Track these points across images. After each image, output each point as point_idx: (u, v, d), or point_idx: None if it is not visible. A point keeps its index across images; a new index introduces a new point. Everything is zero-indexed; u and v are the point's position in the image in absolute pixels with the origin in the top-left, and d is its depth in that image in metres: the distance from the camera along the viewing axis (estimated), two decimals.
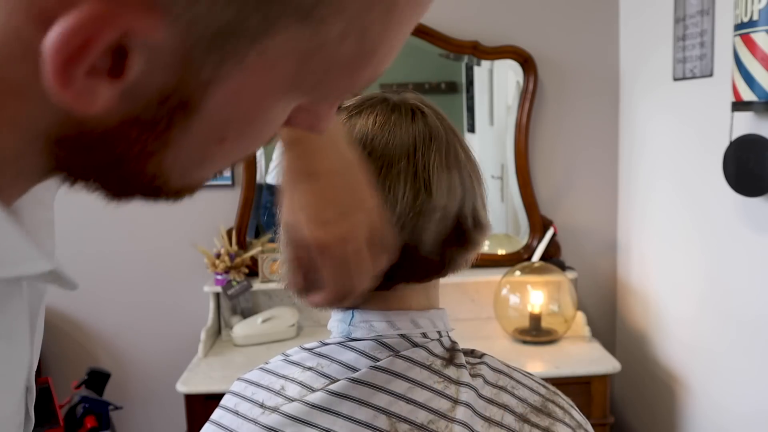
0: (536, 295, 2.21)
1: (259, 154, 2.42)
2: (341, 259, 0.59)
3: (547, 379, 0.71)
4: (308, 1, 0.30)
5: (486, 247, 2.48)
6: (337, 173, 0.60)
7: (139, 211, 2.42)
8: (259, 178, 2.40)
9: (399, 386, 0.62)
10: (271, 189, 2.44)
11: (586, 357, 2.07)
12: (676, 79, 1.96)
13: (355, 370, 0.64)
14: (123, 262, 2.40)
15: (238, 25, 0.29)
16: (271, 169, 2.45)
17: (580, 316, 2.23)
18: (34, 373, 0.58)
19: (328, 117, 0.43)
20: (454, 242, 0.65)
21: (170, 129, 0.33)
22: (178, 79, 0.31)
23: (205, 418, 0.71)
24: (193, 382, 1.96)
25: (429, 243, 0.63)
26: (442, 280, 0.70)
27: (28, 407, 0.58)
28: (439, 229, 0.63)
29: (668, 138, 2.06)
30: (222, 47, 0.30)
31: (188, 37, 0.29)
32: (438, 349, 0.66)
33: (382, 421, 0.61)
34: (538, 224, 2.40)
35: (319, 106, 0.41)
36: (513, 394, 0.65)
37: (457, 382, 0.64)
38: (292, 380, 0.66)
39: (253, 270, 2.34)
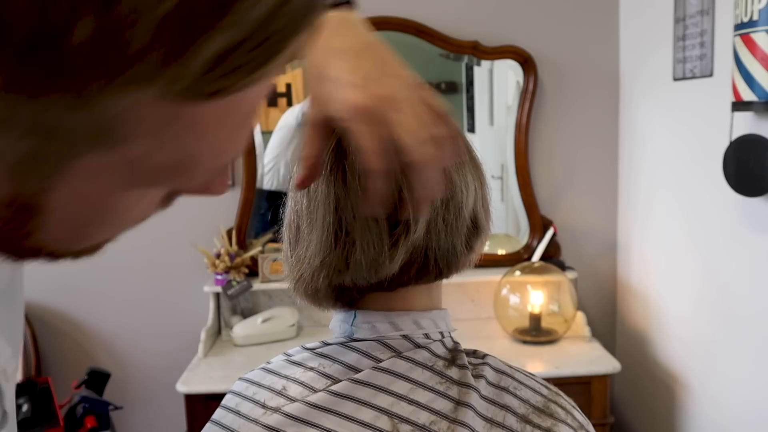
0: (536, 295, 2.21)
1: (259, 157, 2.42)
2: (381, 117, 0.51)
3: (547, 379, 0.71)
4: (93, 132, 0.31)
5: (486, 247, 2.47)
6: (360, 48, 0.55)
7: None
8: (258, 183, 2.39)
9: (401, 387, 0.62)
10: (267, 195, 2.44)
11: (586, 357, 2.07)
12: (676, 79, 1.96)
13: (357, 370, 0.64)
14: (123, 262, 2.40)
15: (40, 153, 0.31)
16: (264, 173, 2.45)
17: (580, 316, 2.23)
18: (6, 373, 0.59)
19: (221, 182, 0.42)
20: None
21: (28, 221, 0.36)
22: (12, 190, 0.34)
23: (205, 418, 0.71)
24: (193, 382, 1.96)
25: (451, 241, 0.63)
26: (443, 280, 0.70)
27: (5, 405, 0.59)
28: (458, 226, 0.63)
29: (668, 138, 2.06)
30: (36, 168, 0.32)
31: (2, 163, 0.32)
32: (440, 350, 0.66)
33: (383, 422, 0.61)
34: (538, 224, 2.40)
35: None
36: (515, 395, 0.65)
37: (459, 383, 0.64)
38: (294, 380, 0.66)
39: (253, 270, 2.34)
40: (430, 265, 0.63)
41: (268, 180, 2.46)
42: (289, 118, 2.42)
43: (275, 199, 2.44)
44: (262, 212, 2.44)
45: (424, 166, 0.52)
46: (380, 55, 0.55)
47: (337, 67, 0.54)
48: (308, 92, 0.57)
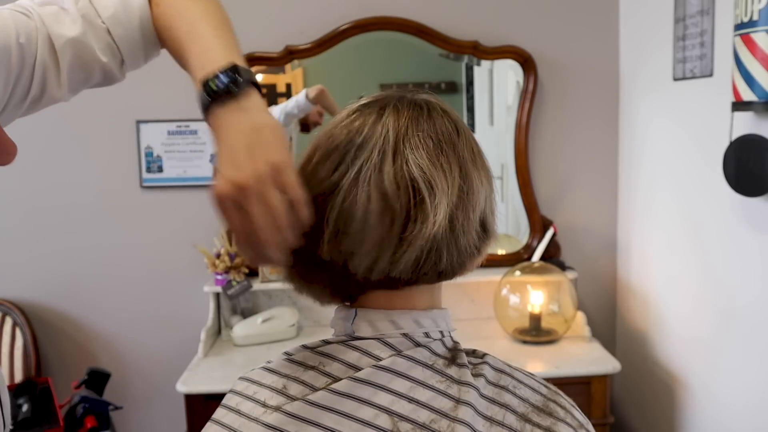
0: (536, 295, 2.21)
1: None
2: (240, 205, 0.60)
3: (547, 379, 0.71)
4: None
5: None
6: (239, 136, 0.63)
7: (139, 211, 2.42)
8: None
9: (401, 385, 0.62)
10: None
11: (586, 357, 2.07)
12: (676, 79, 1.96)
13: (357, 369, 0.64)
14: (123, 262, 2.40)
15: None
16: None
17: (580, 316, 2.23)
18: None
19: None
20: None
21: None
22: None
23: (205, 418, 0.71)
24: (193, 382, 1.96)
25: (462, 244, 0.63)
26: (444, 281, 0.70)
27: None
28: (469, 230, 0.63)
29: (668, 138, 2.06)
30: None
31: None
32: (440, 349, 0.66)
33: (383, 420, 0.61)
34: (538, 224, 2.40)
35: None
36: (515, 394, 0.65)
37: (459, 382, 0.64)
38: (295, 379, 0.66)
39: (253, 270, 2.34)
40: (439, 267, 0.63)
41: None
42: None
43: None
44: None
45: (269, 244, 0.62)
46: (257, 139, 0.63)
47: (219, 161, 0.63)
48: None
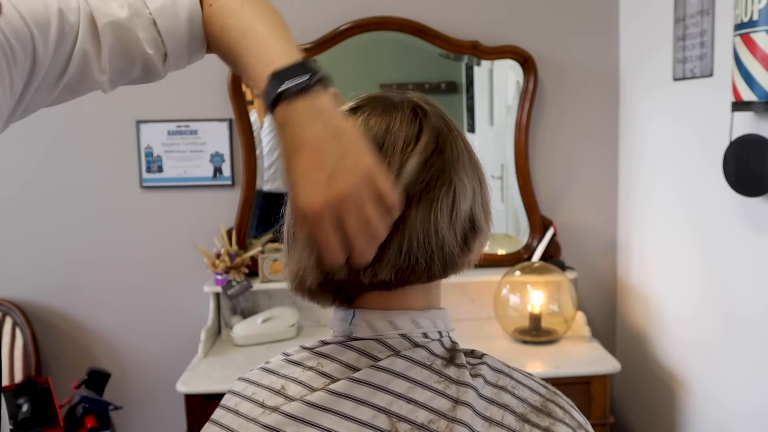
0: (536, 295, 2.21)
1: (259, 153, 2.42)
2: (337, 220, 0.57)
3: (547, 379, 0.71)
4: None
5: (486, 247, 2.47)
6: (324, 140, 0.59)
7: (139, 211, 2.42)
8: (258, 183, 2.39)
9: (399, 386, 0.62)
10: (267, 196, 2.44)
11: (586, 357, 2.07)
12: (676, 79, 1.96)
13: (355, 369, 0.64)
14: (123, 262, 2.40)
15: None
16: (268, 178, 2.46)
17: (580, 316, 2.23)
18: None
19: None
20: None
21: None
22: None
23: (205, 418, 0.72)
24: (193, 382, 1.96)
25: (447, 242, 0.63)
26: (443, 280, 0.70)
27: None
28: (454, 227, 0.63)
29: (668, 138, 2.06)
30: None
31: None
32: (438, 349, 0.66)
33: (382, 421, 0.61)
34: (538, 224, 2.40)
35: None
36: (513, 394, 0.65)
37: (458, 382, 0.64)
38: (293, 380, 0.66)
39: (253, 270, 2.34)
40: (426, 266, 0.63)
41: (269, 181, 2.46)
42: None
43: (274, 199, 2.44)
44: (262, 212, 2.44)
45: (364, 254, 0.60)
46: (343, 145, 0.59)
47: (299, 166, 0.59)
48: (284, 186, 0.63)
